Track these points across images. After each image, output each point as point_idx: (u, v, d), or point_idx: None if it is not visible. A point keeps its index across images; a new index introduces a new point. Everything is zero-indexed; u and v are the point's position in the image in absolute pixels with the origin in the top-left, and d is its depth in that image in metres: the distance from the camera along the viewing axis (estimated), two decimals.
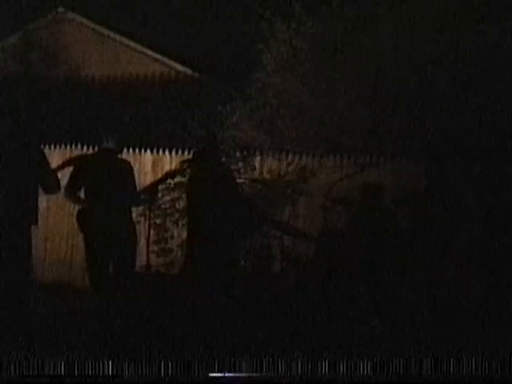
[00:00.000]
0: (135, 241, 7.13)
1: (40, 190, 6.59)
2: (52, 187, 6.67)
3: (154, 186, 7.51)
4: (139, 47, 15.31)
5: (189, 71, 14.87)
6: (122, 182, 7.05)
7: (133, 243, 7.09)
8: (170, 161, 10.18)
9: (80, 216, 6.95)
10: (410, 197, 7.87)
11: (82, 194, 7.04)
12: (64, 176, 7.02)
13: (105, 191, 6.88)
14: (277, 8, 10.97)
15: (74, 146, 10.90)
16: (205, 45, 15.07)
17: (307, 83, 10.61)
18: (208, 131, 8.35)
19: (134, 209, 7.31)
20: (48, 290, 9.28)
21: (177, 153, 10.26)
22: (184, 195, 8.07)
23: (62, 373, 5.24)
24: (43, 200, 9.94)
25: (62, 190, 6.87)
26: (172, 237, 9.36)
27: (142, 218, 8.08)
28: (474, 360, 5.36)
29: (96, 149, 7.71)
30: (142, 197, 7.26)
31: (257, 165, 9.68)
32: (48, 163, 6.63)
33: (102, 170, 6.97)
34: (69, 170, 7.16)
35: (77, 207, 7.07)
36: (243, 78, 11.18)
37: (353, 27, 10.51)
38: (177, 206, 9.19)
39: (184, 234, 8.10)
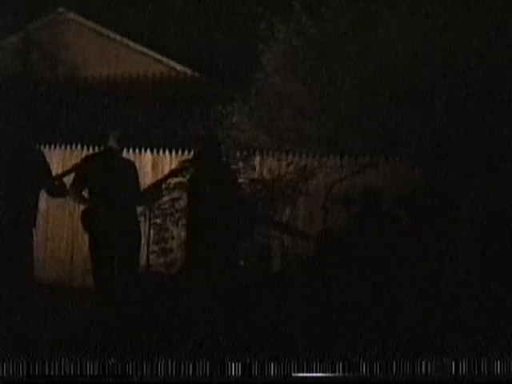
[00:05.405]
0: (139, 240, 7.14)
1: (42, 193, 6.62)
2: (59, 192, 6.73)
3: (157, 185, 7.50)
4: (139, 47, 15.33)
5: (189, 71, 14.88)
6: (126, 181, 7.06)
7: (137, 243, 7.10)
8: (170, 161, 10.19)
9: (84, 215, 6.94)
10: (410, 197, 7.87)
11: (86, 194, 7.05)
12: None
13: (109, 191, 6.89)
14: (277, 8, 10.96)
15: (74, 146, 10.89)
16: (205, 45, 15.07)
17: (307, 83, 10.61)
18: (208, 131, 8.35)
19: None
20: (48, 290, 9.27)
21: (177, 153, 10.26)
22: (184, 195, 8.06)
23: (63, 373, 5.24)
24: (43, 201, 9.93)
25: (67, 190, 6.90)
26: (172, 237, 9.36)
27: (142, 218, 8.07)
28: (473, 360, 5.37)
29: (100, 148, 7.72)
30: (145, 196, 7.27)
31: (257, 165, 9.67)
32: (49, 166, 6.65)
33: (105, 169, 6.97)
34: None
35: (81, 207, 7.08)
36: (243, 78, 11.18)
37: (353, 27, 10.50)
38: (177, 206, 9.18)
39: (184, 234, 8.10)
